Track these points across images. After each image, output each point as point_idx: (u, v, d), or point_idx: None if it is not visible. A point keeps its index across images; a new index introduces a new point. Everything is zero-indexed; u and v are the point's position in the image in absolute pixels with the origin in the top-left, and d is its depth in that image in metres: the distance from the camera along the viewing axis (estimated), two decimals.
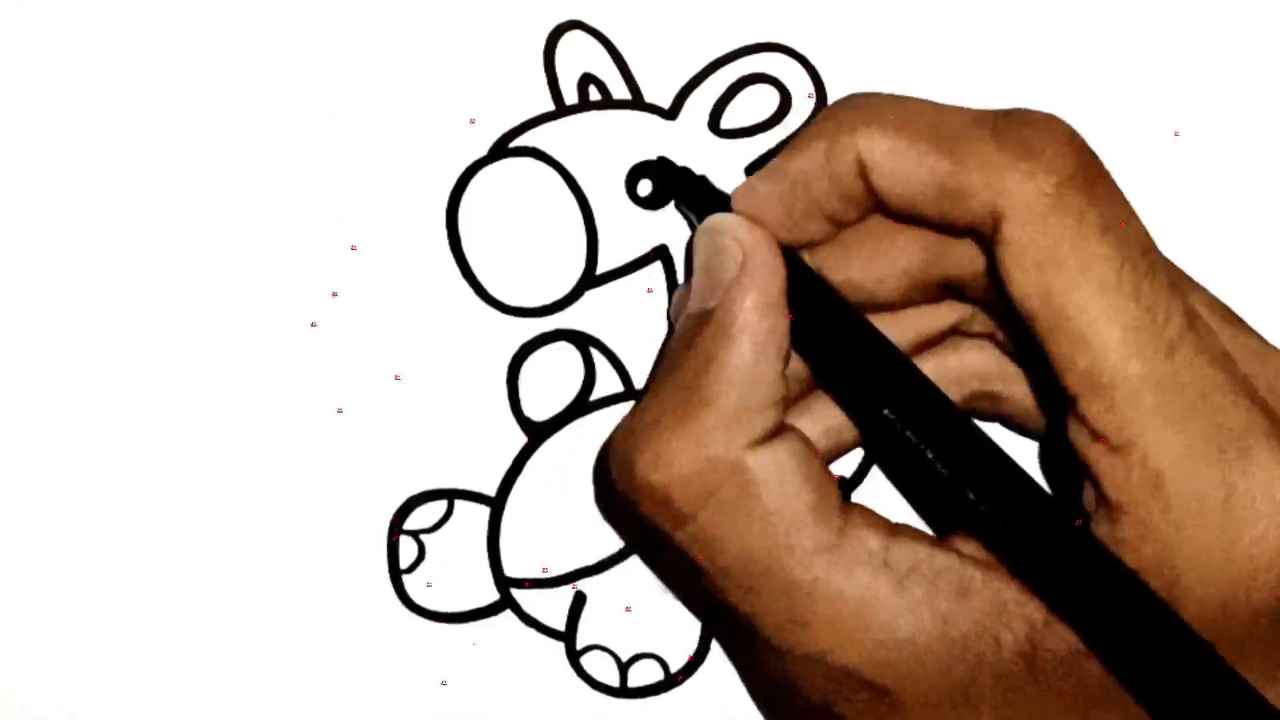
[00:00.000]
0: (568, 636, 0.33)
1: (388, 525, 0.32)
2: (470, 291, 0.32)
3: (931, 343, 0.30)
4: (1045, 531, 0.25)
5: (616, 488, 0.27)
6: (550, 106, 0.32)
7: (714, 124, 0.32)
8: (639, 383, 0.33)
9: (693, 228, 0.28)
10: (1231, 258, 0.33)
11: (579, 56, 0.32)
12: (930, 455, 0.26)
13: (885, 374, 0.27)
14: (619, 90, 0.32)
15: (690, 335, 0.27)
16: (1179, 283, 0.27)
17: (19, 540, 0.32)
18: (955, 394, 0.30)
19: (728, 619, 0.27)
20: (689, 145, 0.32)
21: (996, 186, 0.25)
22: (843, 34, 0.33)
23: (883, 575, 0.26)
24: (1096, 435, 0.25)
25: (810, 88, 0.33)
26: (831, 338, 0.27)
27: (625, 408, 0.32)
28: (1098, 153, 0.26)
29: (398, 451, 0.32)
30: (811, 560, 0.25)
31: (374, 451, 0.32)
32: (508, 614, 0.33)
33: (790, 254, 0.28)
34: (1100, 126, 0.33)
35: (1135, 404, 0.24)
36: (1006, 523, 0.25)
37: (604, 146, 0.32)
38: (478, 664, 0.32)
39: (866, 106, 0.27)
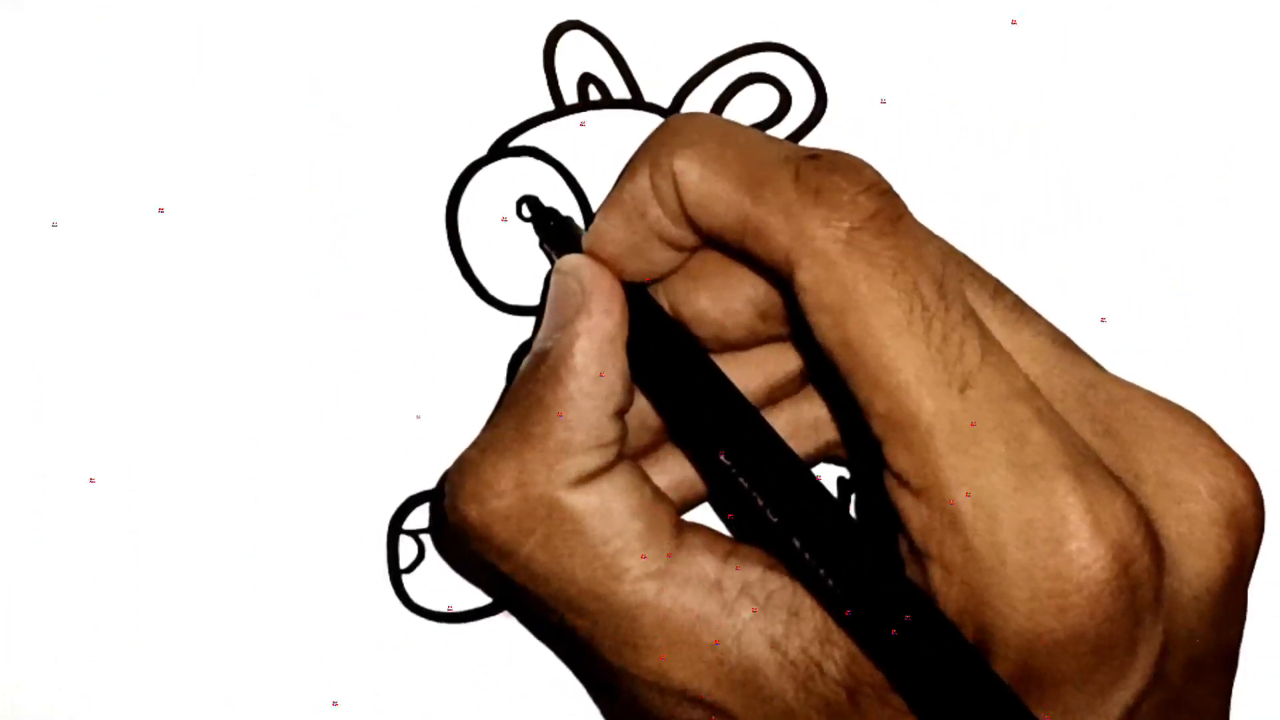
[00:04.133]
0: None
1: (387, 525, 0.32)
2: (470, 291, 0.32)
3: (785, 390, 0.30)
4: (861, 584, 0.25)
5: (448, 519, 0.27)
6: (550, 106, 0.32)
7: None
8: None
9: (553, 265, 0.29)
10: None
11: (579, 56, 0.32)
12: (760, 502, 0.26)
13: (722, 417, 0.27)
14: (619, 89, 0.32)
15: (528, 373, 0.27)
16: (1019, 312, 0.27)
17: (19, 540, 0.32)
18: (810, 443, 0.30)
19: (569, 640, 0.27)
20: None
21: (793, 230, 0.25)
22: (843, 34, 0.33)
23: (713, 597, 0.26)
24: (901, 480, 0.25)
25: (810, 88, 0.33)
26: (672, 379, 0.27)
27: None
28: (901, 195, 0.26)
29: (398, 451, 0.32)
30: (640, 585, 0.26)
31: (374, 451, 0.32)
32: (507, 614, 0.33)
33: (637, 292, 0.28)
34: (1087, 121, 0.33)
35: (930, 445, 0.24)
36: (827, 571, 0.25)
37: (604, 146, 0.32)
38: (478, 664, 0.32)
39: (687, 129, 0.27)
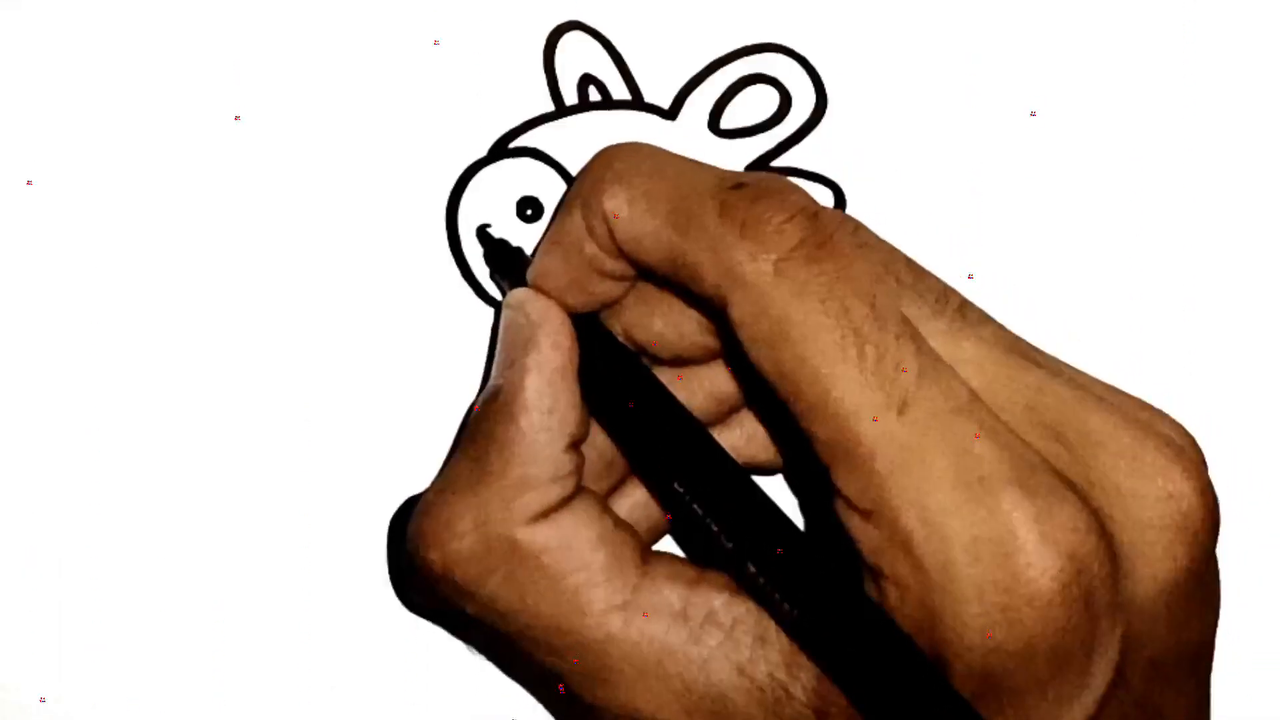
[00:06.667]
0: None
1: (387, 525, 0.32)
2: (470, 291, 0.32)
3: (740, 402, 0.29)
4: (817, 607, 0.25)
5: (411, 563, 0.27)
6: (550, 106, 0.32)
7: (714, 124, 0.32)
8: None
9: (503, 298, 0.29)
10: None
11: (579, 56, 0.32)
12: (715, 528, 0.26)
13: (675, 446, 0.27)
14: (619, 90, 0.32)
15: (481, 412, 0.27)
16: (963, 320, 0.26)
17: (17, 539, 0.32)
18: (768, 454, 0.30)
19: (538, 675, 0.27)
20: (689, 145, 0.32)
21: (721, 265, 0.25)
22: (843, 34, 0.33)
23: (678, 626, 0.26)
24: (849, 503, 0.25)
25: (810, 89, 0.33)
26: (624, 409, 0.27)
27: None
28: (835, 212, 0.25)
29: (397, 452, 0.32)
30: (605, 618, 0.26)
31: (374, 452, 0.32)
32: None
33: (587, 321, 0.28)
34: (1092, 120, 0.33)
35: (874, 468, 0.24)
36: (783, 595, 0.25)
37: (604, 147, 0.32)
38: (477, 664, 0.32)
39: (619, 162, 0.27)
